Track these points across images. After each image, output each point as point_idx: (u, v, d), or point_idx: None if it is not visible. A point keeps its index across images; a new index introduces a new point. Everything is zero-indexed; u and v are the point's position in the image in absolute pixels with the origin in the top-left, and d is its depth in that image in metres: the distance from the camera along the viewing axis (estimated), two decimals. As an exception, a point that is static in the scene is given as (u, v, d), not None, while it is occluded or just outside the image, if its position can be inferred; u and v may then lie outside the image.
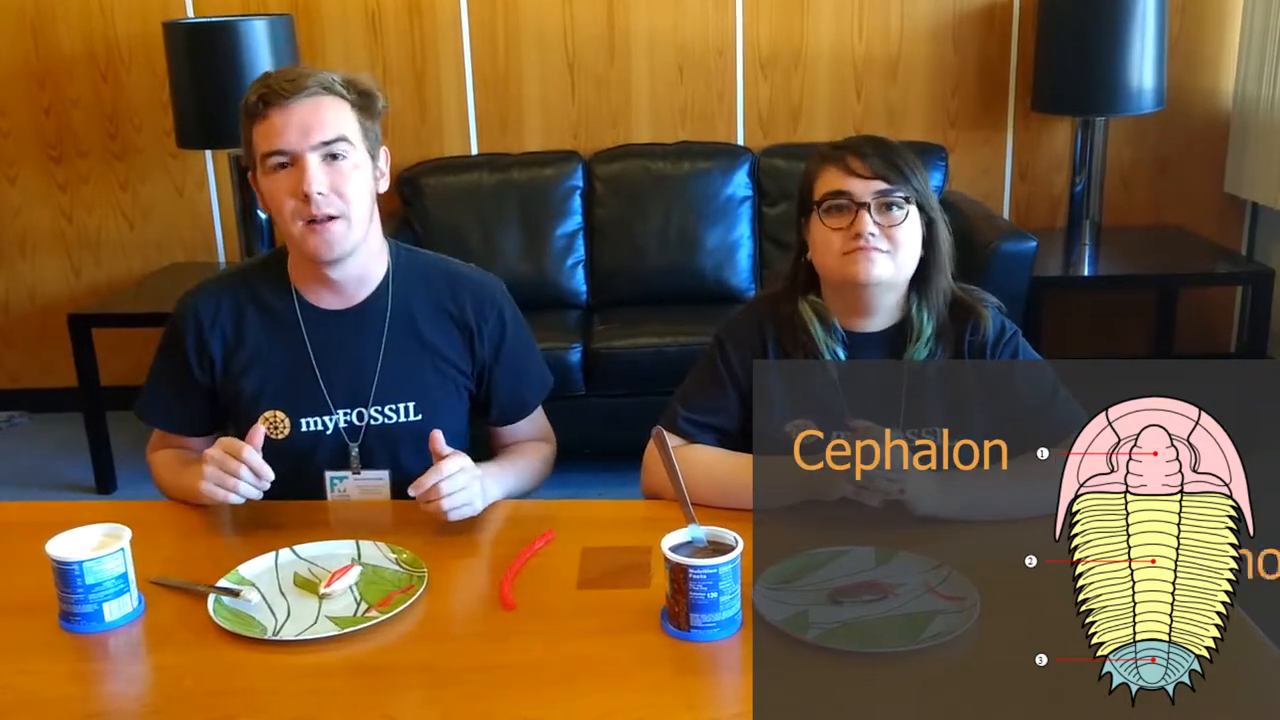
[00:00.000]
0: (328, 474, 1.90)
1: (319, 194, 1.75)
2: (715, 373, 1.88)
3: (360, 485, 1.90)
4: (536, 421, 2.07)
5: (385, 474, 1.89)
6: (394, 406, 1.90)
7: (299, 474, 1.88)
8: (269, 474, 1.69)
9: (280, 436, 1.87)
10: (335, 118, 1.77)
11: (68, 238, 4.43)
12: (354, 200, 1.79)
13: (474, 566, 1.68)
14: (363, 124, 1.82)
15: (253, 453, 1.68)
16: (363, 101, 1.82)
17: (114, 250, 4.44)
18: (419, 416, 1.91)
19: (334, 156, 1.76)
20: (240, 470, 1.67)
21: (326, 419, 1.90)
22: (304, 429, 1.89)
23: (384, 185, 1.88)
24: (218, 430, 1.99)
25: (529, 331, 2.03)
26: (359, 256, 1.86)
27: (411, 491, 1.69)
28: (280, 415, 1.88)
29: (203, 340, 1.91)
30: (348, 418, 1.90)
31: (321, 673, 1.40)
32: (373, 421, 1.90)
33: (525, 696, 1.35)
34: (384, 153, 1.88)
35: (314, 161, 1.75)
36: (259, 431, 1.71)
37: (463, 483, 1.70)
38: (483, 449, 2.03)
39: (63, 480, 3.98)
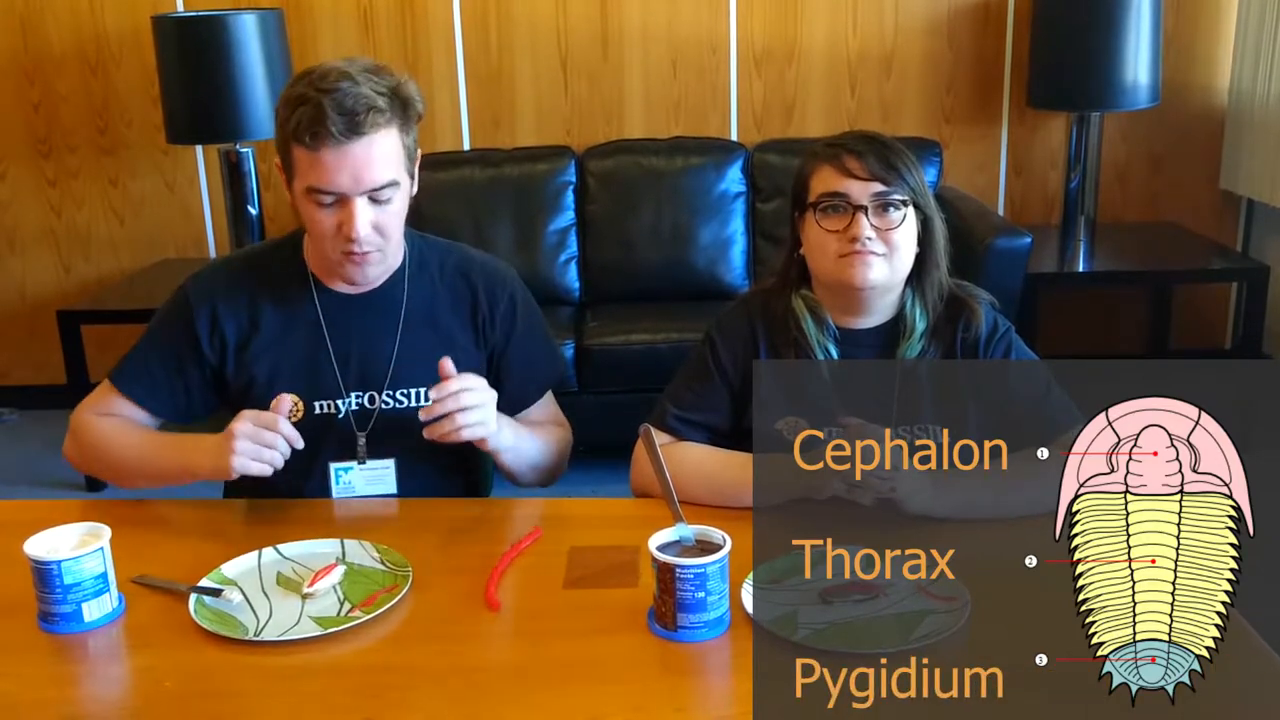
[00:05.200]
0: (332, 467, 1.88)
1: (364, 236, 1.74)
2: (705, 370, 1.85)
3: (366, 475, 1.89)
4: (548, 410, 2.04)
5: (390, 462, 1.88)
6: (406, 391, 1.90)
7: (307, 460, 1.85)
8: (299, 440, 1.70)
9: (295, 419, 1.85)
10: (385, 156, 1.72)
11: (57, 233, 4.41)
12: (392, 234, 1.79)
13: (459, 565, 1.65)
14: (405, 144, 1.76)
15: (285, 421, 1.69)
16: (404, 114, 1.76)
17: (104, 246, 4.42)
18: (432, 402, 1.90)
19: (380, 200, 1.74)
20: (278, 441, 1.67)
21: (338, 402, 1.89)
22: (317, 411, 1.88)
23: (415, 188, 1.84)
24: (191, 420, 1.94)
25: (542, 319, 2.04)
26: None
27: (432, 394, 1.70)
28: (296, 399, 1.85)
29: (216, 317, 1.88)
30: (359, 400, 1.89)
31: (304, 674, 1.38)
32: (384, 406, 1.89)
33: (510, 698, 1.33)
34: (417, 155, 1.84)
35: (362, 205, 1.73)
36: (285, 400, 1.71)
37: (482, 399, 1.72)
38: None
39: (52, 477, 3.95)
